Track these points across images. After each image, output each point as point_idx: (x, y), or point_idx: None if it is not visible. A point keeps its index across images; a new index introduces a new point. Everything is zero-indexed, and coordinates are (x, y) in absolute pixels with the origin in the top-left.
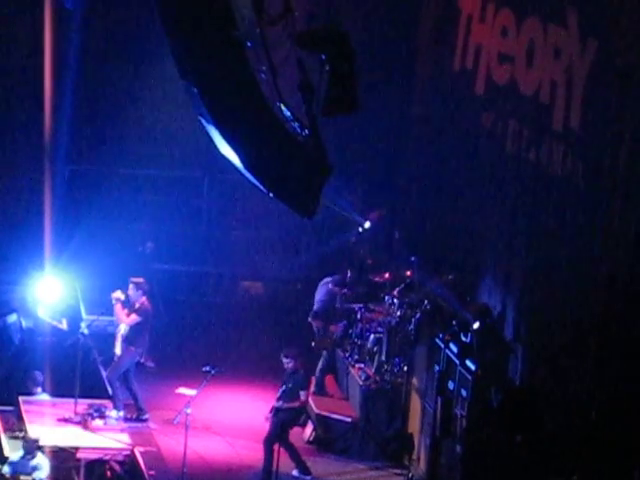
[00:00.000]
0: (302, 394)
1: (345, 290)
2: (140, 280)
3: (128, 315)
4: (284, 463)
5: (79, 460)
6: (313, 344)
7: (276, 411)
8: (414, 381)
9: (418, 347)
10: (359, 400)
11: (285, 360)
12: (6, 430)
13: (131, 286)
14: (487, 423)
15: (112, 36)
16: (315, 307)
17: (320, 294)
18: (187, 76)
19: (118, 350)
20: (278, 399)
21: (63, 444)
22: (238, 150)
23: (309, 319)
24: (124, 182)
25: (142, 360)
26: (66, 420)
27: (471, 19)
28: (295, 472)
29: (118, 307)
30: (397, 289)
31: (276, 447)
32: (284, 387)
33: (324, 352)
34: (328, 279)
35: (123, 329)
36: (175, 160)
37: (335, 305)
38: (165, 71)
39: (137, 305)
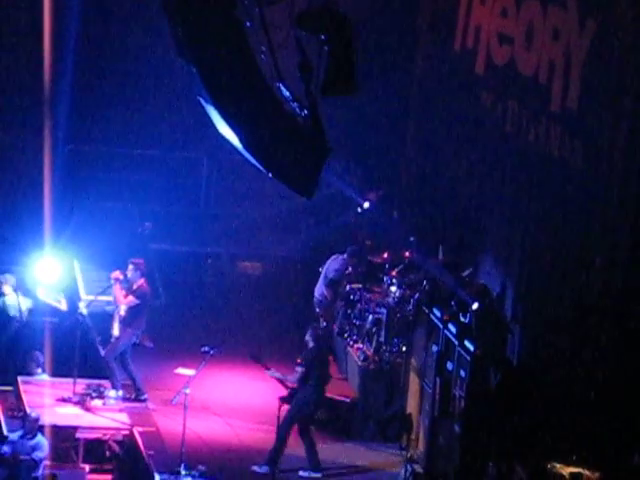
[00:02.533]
0: (297, 370)
1: (349, 271)
2: (139, 261)
3: (126, 296)
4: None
5: (78, 440)
6: (319, 312)
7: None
8: (413, 361)
9: (417, 328)
10: (358, 380)
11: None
12: (5, 410)
13: (130, 267)
14: (486, 403)
15: (112, 16)
16: (331, 275)
17: (335, 264)
18: (186, 56)
19: (116, 331)
20: None
21: (62, 424)
22: (237, 130)
23: (317, 290)
24: (123, 162)
25: (138, 341)
26: (65, 400)
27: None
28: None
29: (116, 288)
30: (396, 269)
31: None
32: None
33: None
34: (338, 255)
35: (122, 310)
36: (174, 140)
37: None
38: (165, 51)
39: (135, 286)
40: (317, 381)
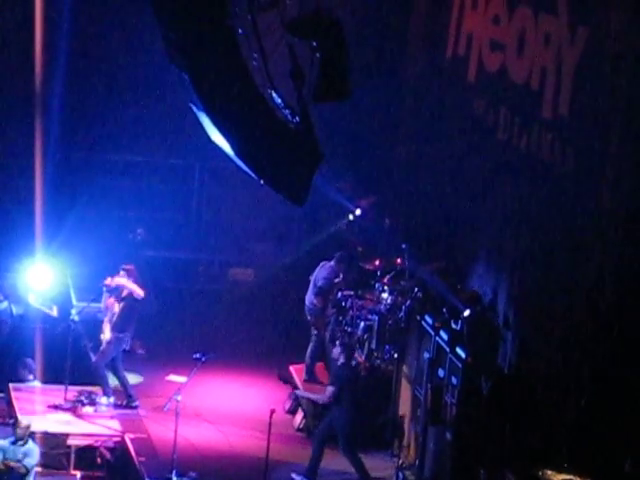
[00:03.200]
0: (328, 389)
1: (339, 279)
2: (130, 267)
3: (118, 302)
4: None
5: (69, 447)
6: (310, 320)
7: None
8: (404, 368)
9: (409, 335)
10: None
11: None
12: None
13: (122, 273)
14: (477, 410)
15: (103, 21)
16: (320, 283)
17: (323, 271)
18: (178, 63)
19: (106, 335)
20: None
21: (53, 431)
22: (229, 137)
23: (308, 298)
24: (115, 169)
25: (129, 348)
26: (56, 407)
27: (463, 7)
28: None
29: (107, 294)
30: (388, 276)
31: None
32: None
33: (313, 337)
34: (326, 262)
35: (112, 315)
36: (166, 147)
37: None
38: (156, 58)
39: (125, 292)
40: (351, 400)
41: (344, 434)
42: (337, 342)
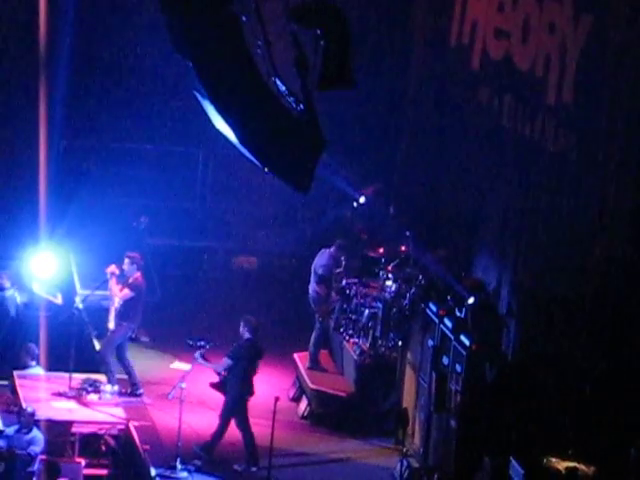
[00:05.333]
0: (224, 360)
1: (340, 269)
2: (136, 255)
3: (121, 290)
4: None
5: (74, 434)
6: (314, 308)
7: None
8: (409, 356)
9: (413, 322)
10: (354, 375)
11: (240, 325)
12: (1, 404)
13: (126, 260)
14: (481, 398)
15: (107, 10)
16: (320, 271)
17: (322, 259)
18: (182, 50)
19: (112, 324)
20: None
21: (58, 418)
22: (233, 125)
23: (310, 286)
24: (119, 156)
25: (134, 336)
26: (61, 394)
27: None
28: (237, 466)
29: (113, 281)
30: (392, 264)
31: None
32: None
33: (317, 325)
34: (325, 249)
35: (117, 303)
36: (170, 134)
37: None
38: (160, 45)
39: (130, 280)
40: (244, 374)
41: (228, 407)
42: (242, 321)
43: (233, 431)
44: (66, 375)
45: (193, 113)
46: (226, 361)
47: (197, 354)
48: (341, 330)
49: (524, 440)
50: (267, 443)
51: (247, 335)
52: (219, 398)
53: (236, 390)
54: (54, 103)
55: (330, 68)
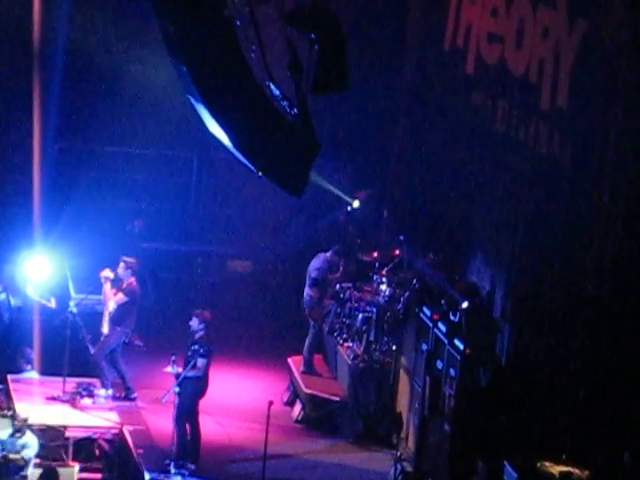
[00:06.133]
0: (200, 361)
1: (339, 272)
2: (132, 260)
3: (115, 294)
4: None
5: (68, 438)
6: (307, 311)
7: (181, 381)
8: (403, 360)
9: (407, 326)
10: (348, 379)
11: (195, 321)
12: None
13: (122, 264)
14: (475, 402)
15: (101, 14)
16: (313, 275)
17: (317, 262)
18: (176, 55)
19: (105, 329)
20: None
21: (52, 422)
22: (227, 129)
23: (305, 290)
24: (113, 160)
25: (127, 340)
26: (55, 399)
27: None
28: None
29: (107, 286)
30: (386, 268)
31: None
32: (189, 353)
33: (311, 329)
34: (321, 253)
35: (111, 307)
36: (164, 138)
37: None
38: (154, 49)
39: (125, 285)
40: (206, 369)
41: (188, 406)
42: (194, 316)
43: (221, 435)
44: (60, 379)
45: (187, 117)
46: (202, 362)
47: (169, 368)
48: (335, 334)
49: (518, 444)
50: (261, 447)
51: (203, 332)
52: (213, 402)
53: (198, 388)
54: (48, 107)
55: (324, 72)
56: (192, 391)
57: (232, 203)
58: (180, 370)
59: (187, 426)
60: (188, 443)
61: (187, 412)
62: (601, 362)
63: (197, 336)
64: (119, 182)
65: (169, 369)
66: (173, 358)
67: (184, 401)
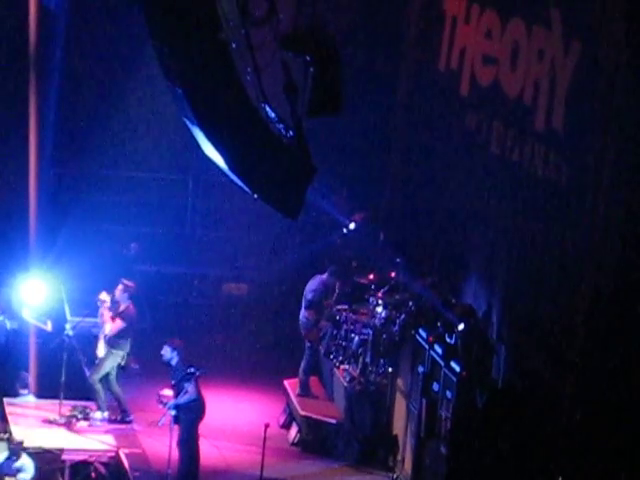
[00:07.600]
0: (187, 385)
1: (335, 294)
2: (130, 284)
3: (113, 319)
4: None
5: (64, 462)
6: (303, 333)
7: (178, 411)
8: (399, 382)
9: (403, 349)
10: (344, 402)
11: (167, 350)
12: None
13: (120, 287)
14: (472, 424)
15: (96, 38)
16: (309, 296)
17: (313, 284)
18: (171, 77)
19: (100, 352)
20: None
21: (48, 445)
22: (223, 151)
23: (301, 312)
24: (108, 184)
25: (124, 364)
26: (50, 422)
27: (456, 20)
28: None
29: (104, 308)
30: (382, 290)
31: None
32: (172, 382)
33: (307, 352)
34: (318, 275)
35: (107, 330)
36: (159, 162)
37: (326, 298)
38: (149, 72)
39: (122, 308)
40: (197, 390)
41: (184, 430)
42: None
43: (218, 458)
44: (56, 402)
45: (183, 140)
46: (192, 388)
47: (166, 407)
48: (331, 356)
49: (514, 467)
50: (257, 470)
51: (177, 358)
52: (209, 425)
53: (196, 411)
54: (44, 130)
55: (319, 94)
56: (191, 417)
57: (228, 225)
58: (172, 401)
59: (188, 451)
60: (188, 468)
61: (188, 437)
62: (597, 384)
63: (173, 363)
64: (115, 205)
65: (166, 408)
66: (161, 393)
67: (185, 427)
